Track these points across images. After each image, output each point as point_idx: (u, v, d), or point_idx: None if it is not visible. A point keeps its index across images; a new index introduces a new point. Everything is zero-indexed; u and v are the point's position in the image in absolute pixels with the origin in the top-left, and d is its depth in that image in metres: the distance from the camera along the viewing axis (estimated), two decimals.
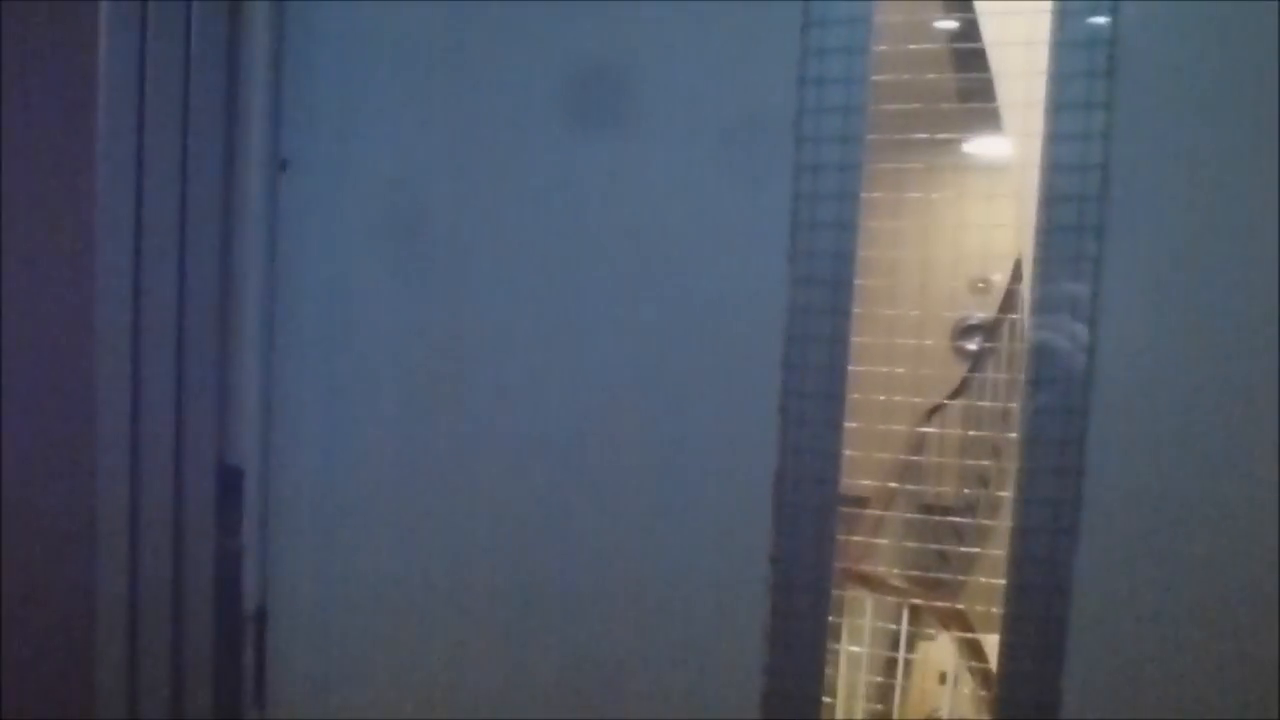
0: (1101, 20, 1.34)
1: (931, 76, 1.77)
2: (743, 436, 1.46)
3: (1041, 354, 1.38)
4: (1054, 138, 1.37)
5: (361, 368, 1.59)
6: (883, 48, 1.46)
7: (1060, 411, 1.36)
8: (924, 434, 2.97)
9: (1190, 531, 1.34)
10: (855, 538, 2.63)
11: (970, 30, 2.71)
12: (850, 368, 1.46)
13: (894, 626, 2.58)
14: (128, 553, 1.53)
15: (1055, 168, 1.37)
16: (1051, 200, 1.37)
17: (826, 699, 1.54)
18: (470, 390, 1.55)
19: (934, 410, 3.07)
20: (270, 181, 1.59)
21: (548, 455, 1.52)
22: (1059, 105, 1.36)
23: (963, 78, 2.73)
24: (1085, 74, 1.35)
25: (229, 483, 1.59)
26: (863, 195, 1.44)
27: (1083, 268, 1.36)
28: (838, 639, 2.43)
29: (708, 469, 1.48)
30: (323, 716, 1.61)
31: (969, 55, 2.75)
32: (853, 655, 2.49)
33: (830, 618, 1.50)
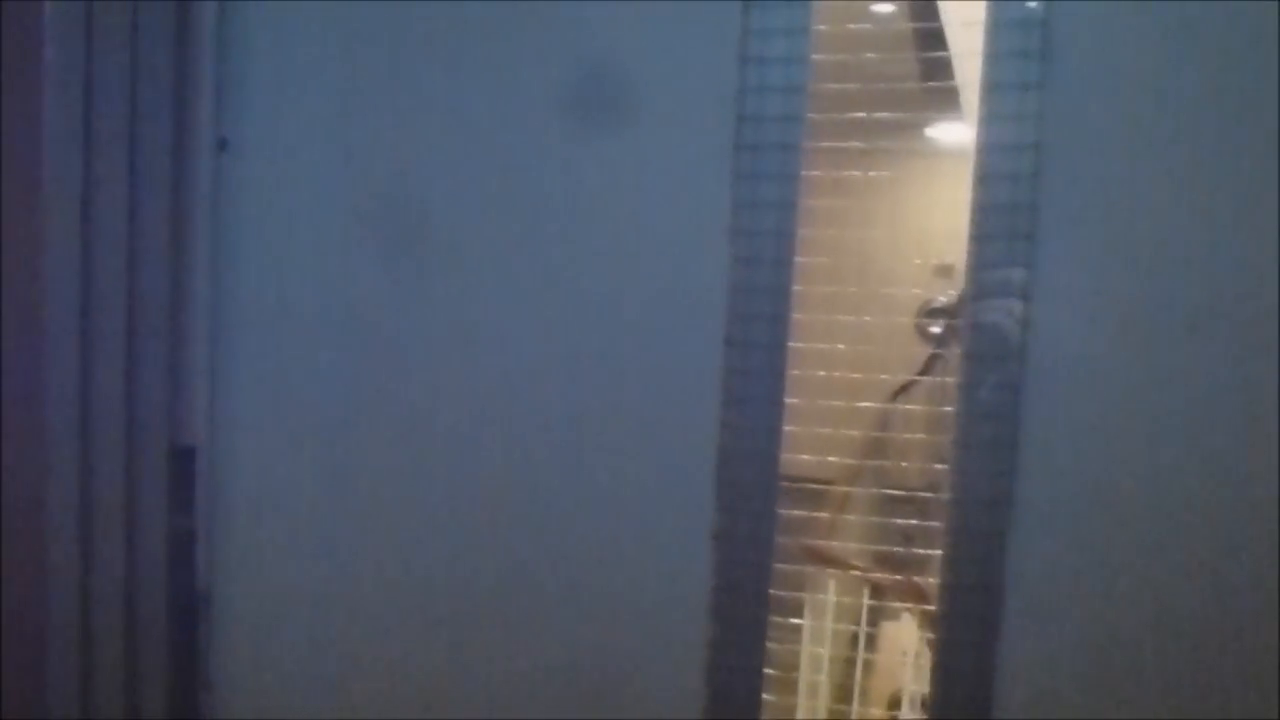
0: (1035, 3, 1.35)
1: (889, 57, 1.78)
2: (685, 414, 1.47)
3: (978, 330, 1.40)
4: (989, 118, 1.39)
5: (307, 351, 1.60)
6: (824, 27, 1.47)
7: (995, 386, 1.39)
8: (889, 412, 3.00)
9: (1122, 505, 1.37)
10: (820, 515, 2.65)
11: (929, 12, 2.71)
12: (812, 346, 1.47)
13: (857, 603, 2.60)
14: (78, 533, 1.54)
15: (990, 148, 1.38)
16: (986, 180, 1.38)
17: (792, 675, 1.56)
18: (415, 372, 1.56)
19: (900, 390, 3.08)
20: (218, 164, 1.59)
21: (492, 438, 1.54)
22: (994, 86, 1.38)
23: (923, 58, 2.74)
24: (1019, 55, 1.36)
25: (181, 464, 1.60)
26: (828, 176, 1.45)
27: (1017, 246, 1.38)
28: (800, 616, 2.45)
29: (651, 447, 1.50)
30: (268, 696, 1.63)
31: (930, 36, 2.76)
32: (816, 632, 2.52)
33: (795, 593, 1.52)
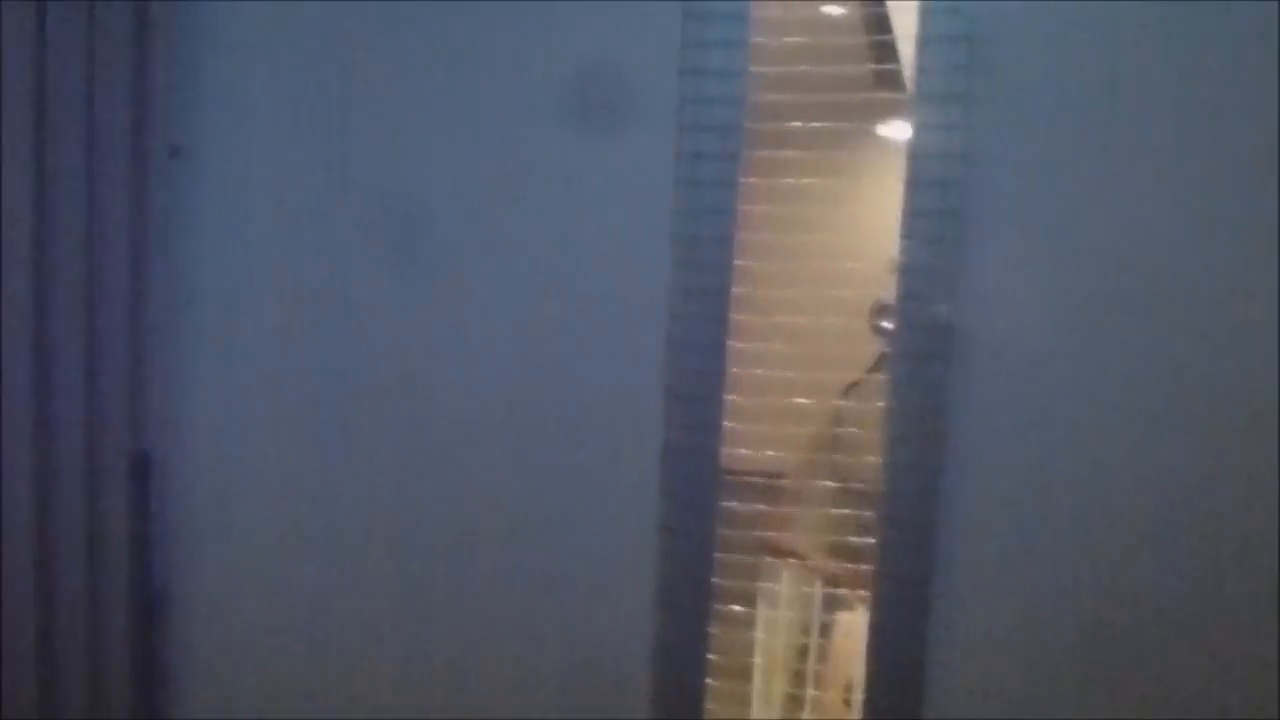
0: (962, 18, 1.41)
1: (843, 50, 1.84)
2: (631, 412, 1.53)
3: (907, 328, 1.46)
4: (919, 128, 1.45)
5: (263, 358, 1.64)
6: (787, 38, 1.53)
7: (924, 382, 1.45)
8: (842, 407, 3.07)
9: (1045, 494, 1.44)
10: (775, 509, 2.72)
11: (882, 21, 2.78)
12: (768, 346, 1.53)
13: (812, 593, 2.67)
14: (37, 537, 1.57)
15: (920, 155, 1.45)
16: (916, 185, 1.45)
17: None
18: (366, 375, 1.61)
19: (852, 386, 3.16)
20: (176, 173, 1.62)
21: (443, 437, 1.59)
22: (924, 97, 1.44)
23: (876, 66, 2.81)
24: (948, 68, 1.43)
25: (139, 468, 1.63)
26: (779, 183, 1.51)
27: (945, 249, 1.44)
28: (755, 606, 2.52)
29: (599, 444, 1.55)
30: (229, 695, 1.67)
31: (883, 45, 2.83)
32: (772, 623, 2.59)
33: (752, 583, 1.58)
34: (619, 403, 1.53)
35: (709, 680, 1.56)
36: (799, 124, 1.57)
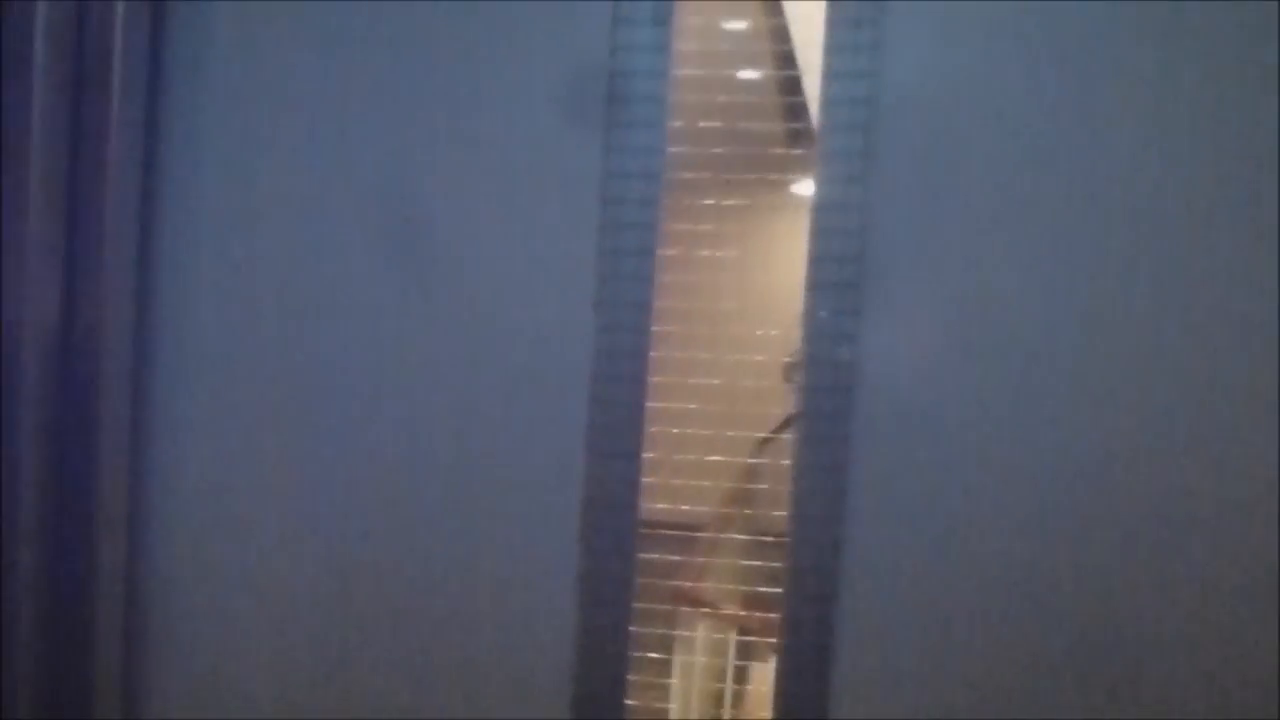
0: (861, 82, 1.55)
1: (758, 125, 1.97)
2: (554, 467, 1.61)
3: (811, 378, 1.57)
4: (822, 181, 1.57)
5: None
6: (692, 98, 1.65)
7: (827, 421, 1.56)
8: (754, 464, 3.20)
9: (947, 546, 1.55)
10: (692, 560, 2.81)
11: (794, 84, 2.97)
12: (683, 405, 1.62)
13: (727, 642, 2.77)
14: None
15: (822, 207, 1.57)
16: (819, 234, 1.57)
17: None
18: (310, 408, 1.68)
19: (766, 441, 3.28)
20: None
21: (378, 477, 1.65)
22: (826, 154, 1.57)
23: (791, 128, 2.99)
24: (847, 128, 1.56)
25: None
26: (702, 253, 1.60)
27: (847, 296, 1.56)
28: (669, 668, 2.61)
29: (524, 497, 1.63)
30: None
31: (797, 106, 3.01)
32: (686, 668, 2.67)
33: (669, 632, 1.65)
34: (543, 458, 1.62)
35: None
36: (715, 193, 1.69)
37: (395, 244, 1.65)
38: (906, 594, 1.56)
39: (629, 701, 1.62)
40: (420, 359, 1.64)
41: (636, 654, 1.67)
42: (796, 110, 3.00)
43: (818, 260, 1.57)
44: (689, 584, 2.61)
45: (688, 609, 2.62)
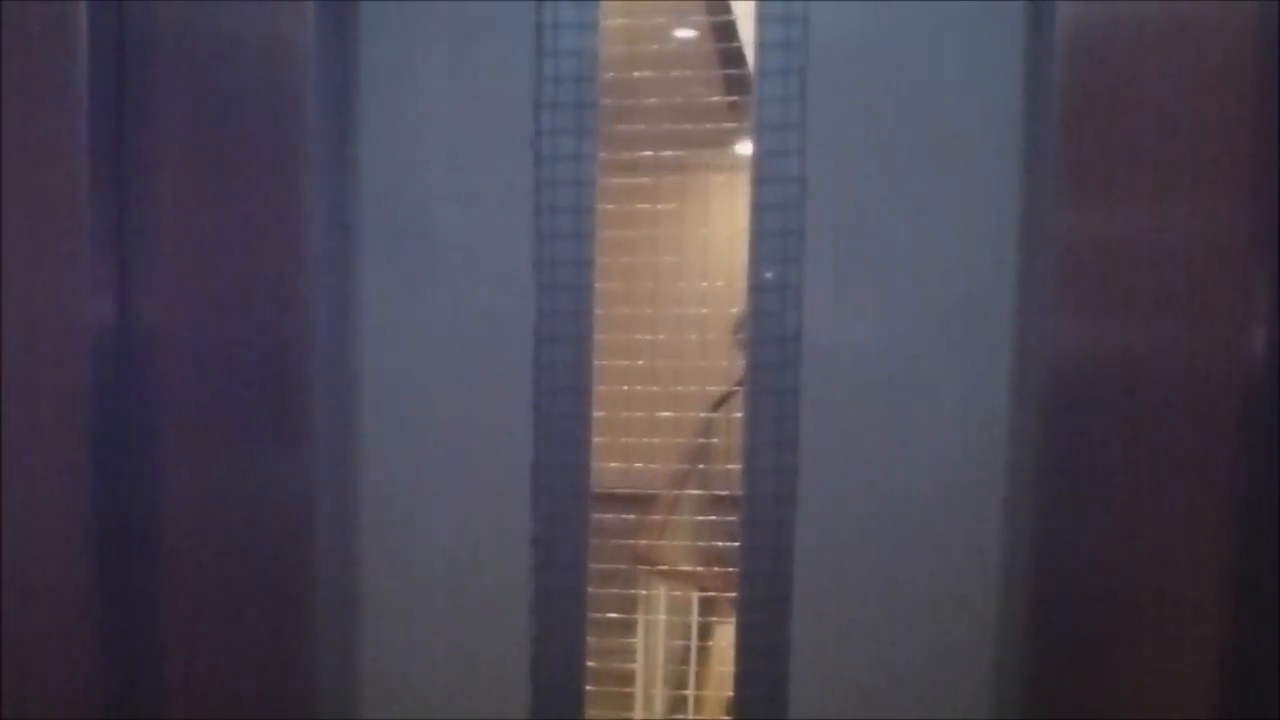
0: (793, 52, 1.54)
1: (697, 78, 1.94)
2: (503, 432, 1.59)
3: (756, 338, 1.56)
4: (760, 155, 1.56)
5: None
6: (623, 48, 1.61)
7: (775, 392, 1.56)
8: (710, 421, 3.19)
9: (895, 492, 1.55)
10: (653, 519, 2.81)
11: (730, 30, 2.92)
12: (630, 363, 1.60)
13: (688, 613, 2.77)
14: None
15: (762, 180, 1.56)
16: (761, 208, 1.55)
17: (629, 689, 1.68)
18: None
19: (721, 400, 3.28)
20: None
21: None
22: (762, 126, 1.55)
23: (737, 99, 2.96)
24: (782, 99, 1.54)
25: None
26: (641, 207, 1.58)
27: (789, 267, 1.55)
28: (634, 628, 2.61)
29: (476, 463, 1.60)
30: None
31: (733, 61, 2.98)
32: (650, 629, 2.67)
33: (630, 592, 1.63)
34: (492, 422, 1.59)
35: (589, 686, 1.62)
36: (652, 145, 1.66)
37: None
38: (859, 539, 1.56)
39: (589, 664, 1.61)
40: (374, 322, 1.60)
41: (598, 615, 1.65)
42: (732, 57, 2.97)
43: (759, 234, 1.55)
44: (647, 543, 2.61)
45: (647, 569, 2.62)
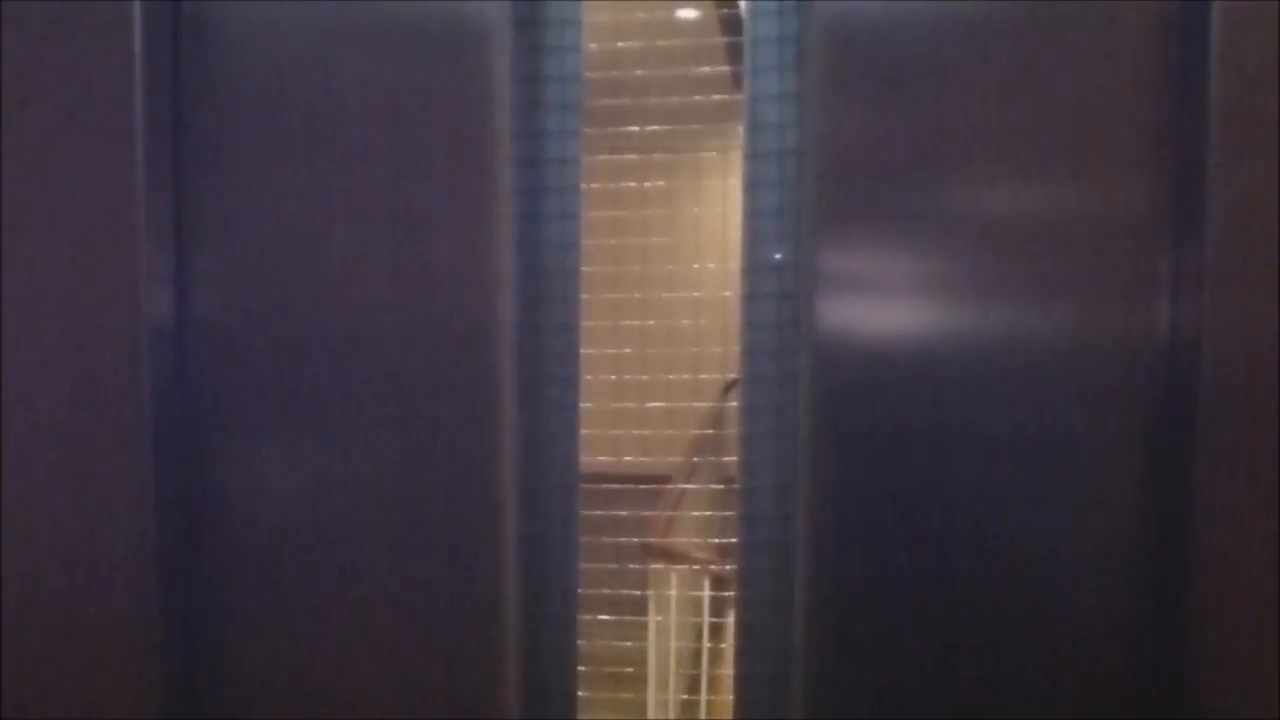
0: (790, 19, 1.45)
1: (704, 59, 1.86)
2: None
3: (752, 325, 1.48)
4: (753, 129, 1.47)
5: None
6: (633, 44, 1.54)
7: (773, 381, 1.47)
8: (722, 409, 3.10)
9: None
10: (663, 513, 2.73)
11: (737, 24, 2.84)
12: (635, 351, 1.52)
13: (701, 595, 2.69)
14: None
15: (755, 157, 1.47)
16: (754, 186, 1.47)
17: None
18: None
19: (730, 386, 3.18)
20: None
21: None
22: (755, 98, 1.46)
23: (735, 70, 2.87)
24: (777, 68, 1.45)
25: None
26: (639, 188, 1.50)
27: (785, 247, 1.47)
28: (645, 612, 2.52)
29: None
30: None
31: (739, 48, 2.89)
32: (661, 626, 2.59)
33: (638, 591, 1.57)
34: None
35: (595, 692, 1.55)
36: (640, 120, 1.59)
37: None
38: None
39: (580, 667, 1.54)
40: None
41: (604, 616, 1.58)
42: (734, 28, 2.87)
43: (754, 214, 1.47)
44: (656, 538, 2.53)
45: (657, 564, 2.54)
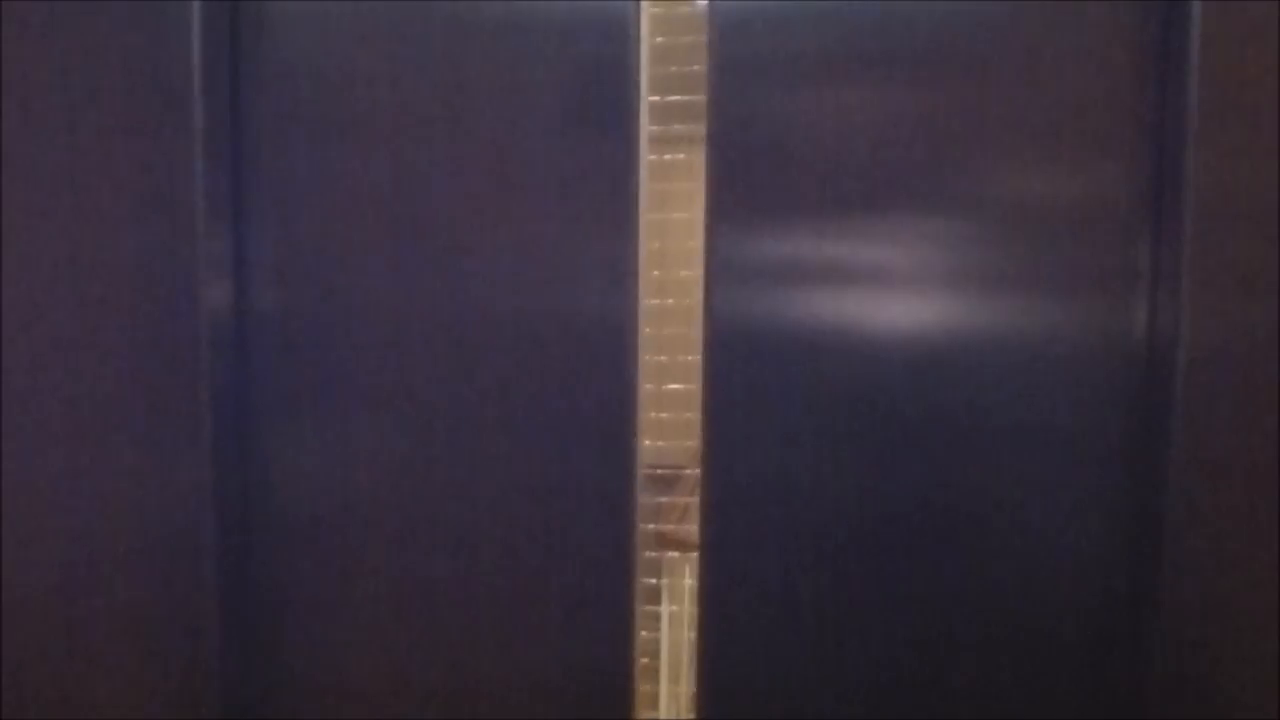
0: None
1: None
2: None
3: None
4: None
5: None
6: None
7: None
8: None
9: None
10: (673, 501, 2.71)
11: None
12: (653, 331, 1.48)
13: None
14: None
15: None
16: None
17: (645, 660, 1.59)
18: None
19: None
20: None
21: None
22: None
23: None
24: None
25: None
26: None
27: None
28: (659, 601, 2.50)
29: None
30: None
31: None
32: (676, 616, 2.57)
33: (651, 580, 1.54)
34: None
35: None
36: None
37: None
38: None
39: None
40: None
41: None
42: None
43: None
44: (672, 527, 2.51)
45: (673, 554, 2.52)
